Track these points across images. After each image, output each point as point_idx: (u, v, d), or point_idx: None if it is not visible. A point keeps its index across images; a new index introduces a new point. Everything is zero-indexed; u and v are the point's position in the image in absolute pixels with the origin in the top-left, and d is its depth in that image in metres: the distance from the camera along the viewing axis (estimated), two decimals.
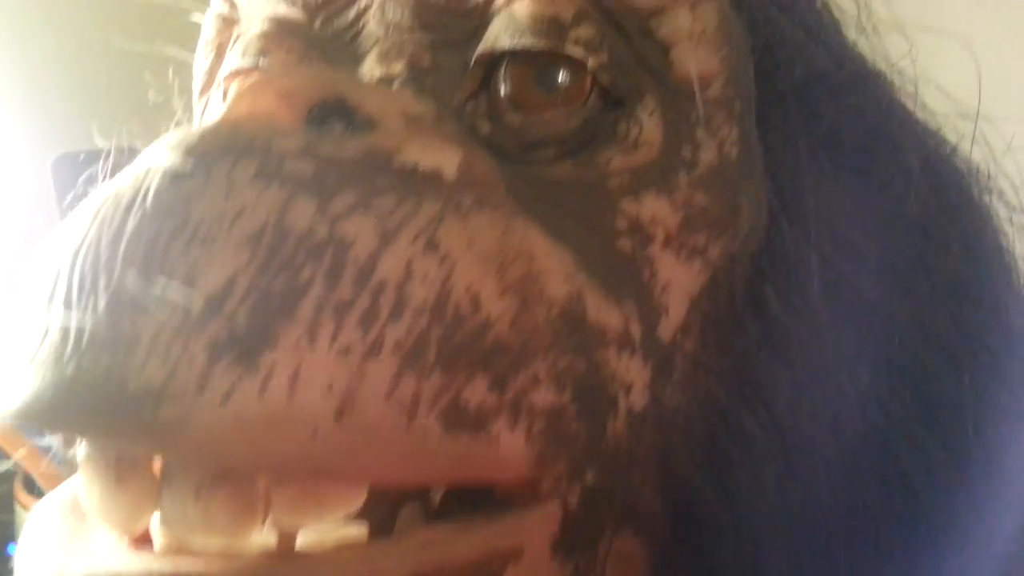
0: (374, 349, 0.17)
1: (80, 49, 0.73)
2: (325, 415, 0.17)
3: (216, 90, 0.28)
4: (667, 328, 0.23)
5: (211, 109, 0.29)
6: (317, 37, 0.26)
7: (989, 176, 0.30)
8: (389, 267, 0.18)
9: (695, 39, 0.24)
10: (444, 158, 0.20)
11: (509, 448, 0.19)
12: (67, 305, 0.17)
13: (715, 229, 0.23)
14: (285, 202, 0.18)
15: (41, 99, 0.70)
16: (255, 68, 0.26)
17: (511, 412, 0.19)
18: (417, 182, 0.20)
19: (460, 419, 0.18)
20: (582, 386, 0.21)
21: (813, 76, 0.26)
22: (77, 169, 0.71)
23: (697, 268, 0.23)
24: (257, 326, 0.17)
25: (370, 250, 0.18)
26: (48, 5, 0.71)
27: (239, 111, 0.20)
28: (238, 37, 0.28)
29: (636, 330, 0.22)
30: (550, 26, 0.23)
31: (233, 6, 0.28)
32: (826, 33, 0.28)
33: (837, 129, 0.26)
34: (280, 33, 0.26)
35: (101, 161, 0.75)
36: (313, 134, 0.19)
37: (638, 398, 0.22)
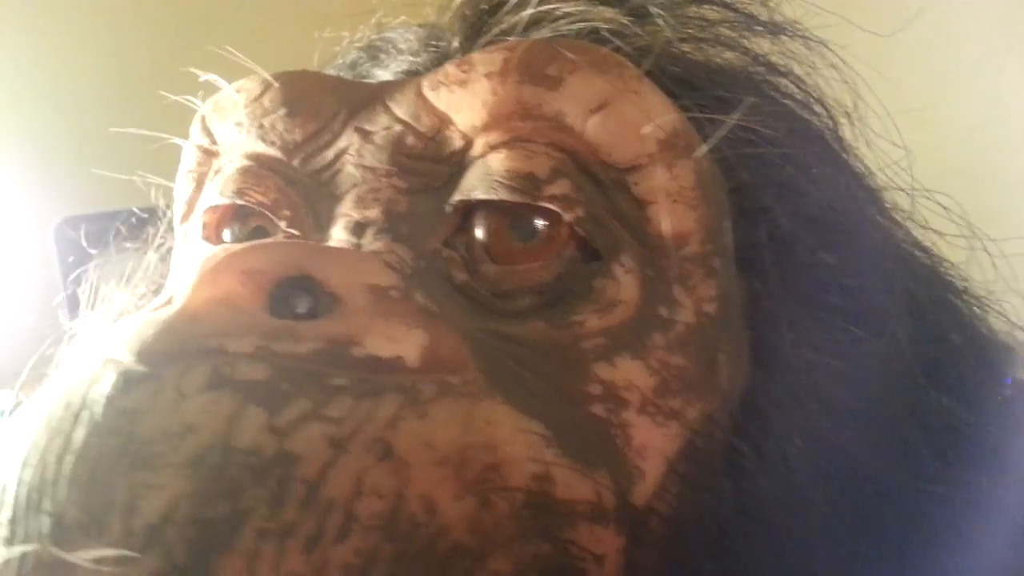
0: (324, 571, 0.17)
1: (84, 114, 0.73)
2: None
3: (196, 221, 0.28)
4: (642, 493, 0.22)
5: (190, 242, 0.28)
6: (295, 175, 0.26)
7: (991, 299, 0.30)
8: (338, 484, 0.17)
9: (672, 197, 0.23)
10: (406, 345, 0.20)
11: None
12: (13, 524, 0.17)
13: (692, 391, 0.23)
14: (233, 415, 0.17)
15: (45, 163, 0.70)
16: (232, 206, 0.27)
17: None
18: (377, 375, 0.19)
19: None
20: (546, 568, 0.20)
21: (800, 222, 0.25)
22: (80, 233, 0.72)
23: (674, 431, 0.23)
24: (196, 558, 0.16)
25: (319, 467, 0.17)
26: (53, 70, 0.72)
27: (200, 297, 0.19)
28: (218, 171, 0.28)
29: (609, 499, 0.22)
30: (525, 181, 0.23)
31: (213, 140, 0.28)
32: (822, 166, 0.27)
33: (821, 282, 0.25)
34: (259, 171, 0.26)
35: (103, 225, 0.75)
36: (271, 325, 0.19)
37: (612, 567, 0.22)
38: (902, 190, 0.31)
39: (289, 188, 0.26)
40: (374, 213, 0.24)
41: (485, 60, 0.24)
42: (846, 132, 0.30)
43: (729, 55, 0.30)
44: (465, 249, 0.24)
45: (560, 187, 0.23)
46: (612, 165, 0.24)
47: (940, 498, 0.25)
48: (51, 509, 0.17)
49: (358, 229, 0.24)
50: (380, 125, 0.25)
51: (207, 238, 0.27)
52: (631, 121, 0.24)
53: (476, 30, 0.28)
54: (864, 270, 0.26)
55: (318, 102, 0.26)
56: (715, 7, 0.30)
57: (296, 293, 0.20)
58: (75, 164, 0.70)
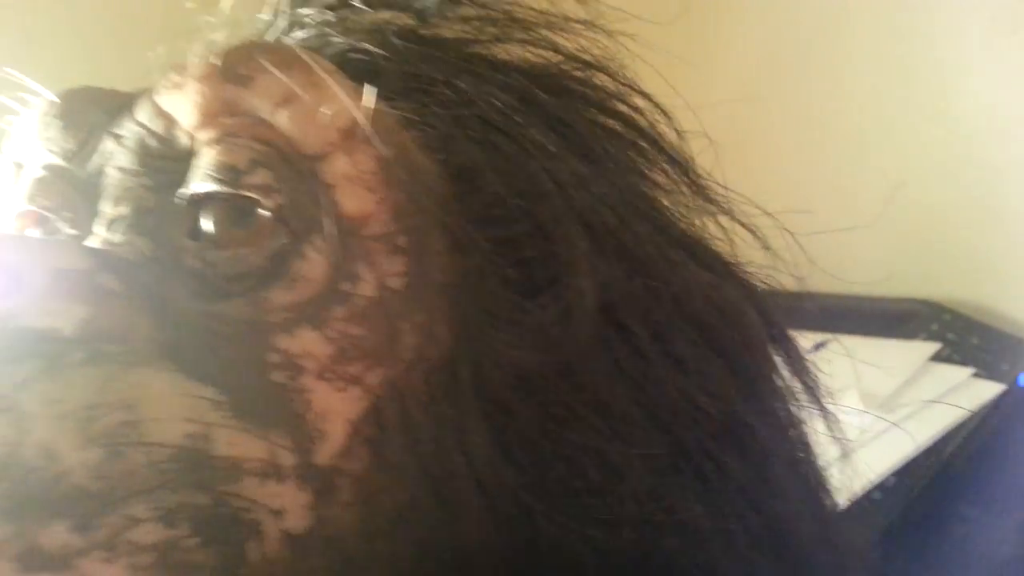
0: None
1: None
2: None
3: (10, 226, 0.31)
4: (326, 453, 0.24)
5: None
6: (75, 180, 0.29)
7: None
8: None
9: (354, 181, 0.26)
10: (64, 317, 0.23)
11: None
12: None
13: (371, 359, 0.25)
14: None
15: None
16: (29, 212, 0.30)
17: (105, 549, 0.21)
18: (25, 344, 0.22)
19: (38, 560, 0.20)
20: (203, 518, 0.22)
21: (507, 197, 0.27)
22: None
23: (355, 395, 0.25)
24: None
25: None
26: None
27: None
28: (22, 179, 0.31)
29: (286, 458, 0.23)
30: (228, 172, 0.25)
31: (19, 156, 0.31)
32: (548, 145, 0.28)
33: (516, 256, 0.27)
34: (49, 179, 0.29)
35: None
36: None
37: (297, 520, 0.23)
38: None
39: (72, 192, 0.29)
40: (125, 209, 0.27)
41: (197, 65, 0.27)
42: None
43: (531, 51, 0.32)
44: (201, 238, 0.26)
45: (259, 177, 0.25)
46: (302, 154, 0.26)
47: (633, 456, 0.26)
48: None
49: (111, 224, 0.27)
50: (127, 130, 0.28)
51: None
52: (312, 113, 0.26)
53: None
54: (553, 244, 0.27)
55: (86, 113, 0.29)
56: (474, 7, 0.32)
57: None
58: None
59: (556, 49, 0.32)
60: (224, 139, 0.26)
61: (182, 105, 0.27)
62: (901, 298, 0.95)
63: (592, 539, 0.25)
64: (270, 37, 0.32)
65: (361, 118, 0.26)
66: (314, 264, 0.25)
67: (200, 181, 0.26)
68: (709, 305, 0.29)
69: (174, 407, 0.23)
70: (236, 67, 0.26)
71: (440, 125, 0.28)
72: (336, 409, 0.24)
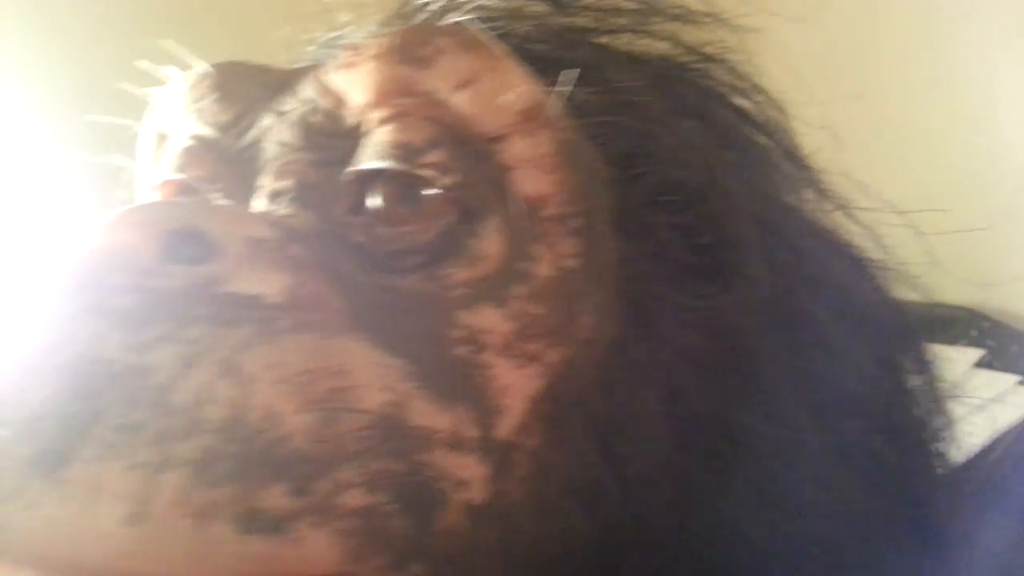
0: (165, 464, 0.20)
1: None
2: (119, 522, 0.19)
3: (151, 195, 0.32)
4: (505, 428, 0.24)
5: None
6: (229, 152, 0.29)
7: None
8: (184, 392, 0.21)
9: (533, 164, 0.26)
10: (269, 284, 0.23)
11: (315, 547, 0.21)
12: None
13: (552, 337, 0.25)
14: (101, 334, 0.21)
15: None
16: (178, 181, 0.30)
17: (316, 514, 0.21)
18: (235, 309, 0.22)
19: (256, 523, 0.20)
20: (400, 485, 0.23)
21: (670, 187, 0.27)
22: None
23: (534, 372, 0.25)
24: (63, 443, 0.20)
25: (168, 377, 0.21)
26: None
27: (94, 244, 0.23)
28: (166, 150, 0.32)
29: (470, 431, 0.24)
30: (404, 150, 0.26)
31: (165, 125, 0.32)
32: (703, 135, 0.29)
33: (684, 242, 0.27)
34: (198, 149, 0.30)
35: None
36: (147, 265, 0.22)
37: (477, 493, 0.24)
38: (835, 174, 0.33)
39: (223, 164, 0.29)
40: (288, 183, 0.27)
41: (371, 45, 0.27)
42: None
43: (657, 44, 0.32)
44: (364, 213, 0.27)
45: (435, 156, 0.26)
46: (480, 135, 0.26)
47: (801, 443, 0.27)
48: None
49: (273, 197, 0.27)
50: (291, 106, 0.28)
51: None
52: (493, 95, 0.26)
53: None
54: (726, 231, 0.28)
55: (244, 87, 0.30)
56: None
57: (183, 244, 0.23)
58: None
59: (678, 41, 0.33)
60: (399, 118, 0.26)
61: (354, 84, 0.27)
62: (940, 304, 0.95)
63: (769, 523, 0.25)
64: (420, 19, 0.32)
65: (548, 101, 0.26)
66: (491, 243, 0.26)
67: (372, 158, 0.26)
68: (858, 297, 0.29)
69: (373, 375, 0.23)
70: (415, 48, 0.27)
71: (595, 112, 0.28)
72: (516, 385, 0.25)
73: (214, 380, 0.21)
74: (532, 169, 0.26)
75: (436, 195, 0.26)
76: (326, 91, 0.28)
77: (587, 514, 0.25)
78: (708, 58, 0.33)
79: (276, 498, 0.21)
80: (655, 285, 0.27)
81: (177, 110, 0.31)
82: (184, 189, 0.31)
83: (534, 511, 0.25)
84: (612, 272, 0.26)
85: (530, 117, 0.26)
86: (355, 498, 0.22)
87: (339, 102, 0.28)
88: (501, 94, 0.26)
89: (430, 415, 0.23)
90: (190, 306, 0.22)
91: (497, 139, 0.26)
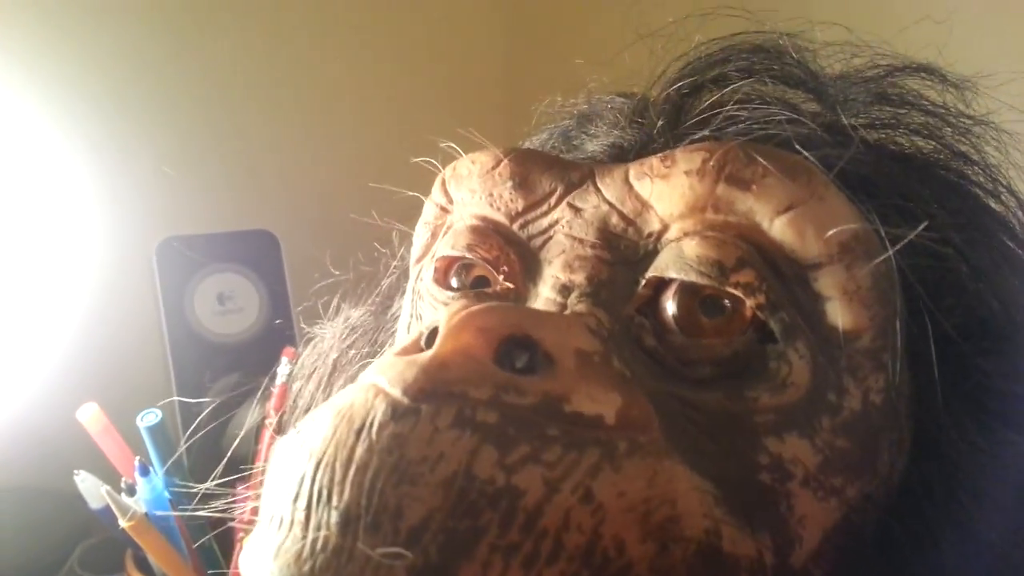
0: None
1: (186, 134, 0.76)
2: None
3: (429, 266, 0.33)
4: (800, 557, 0.25)
5: (423, 281, 0.33)
6: (514, 237, 0.31)
7: None
8: (551, 517, 0.21)
9: (849, 296, 0.26)
10: (606, 405, 0.23)
11: None
12: (308, 510, 0.22)
13: (854, 472, 0.25)
14: (473, 451, 0.21)
15: (149, 182, 0.73)
16: (459, 258, 0.31)
17: None
18: (581, 430, 0.23)
19: None
20: None
21: (969, 325, 0.27)
22: (181, 253, 0.74)
23: (833, 505, 0.25)
24: (445, 559, 0.20)
25: (537, 500, 0.21)
26: (158, 91, 0.75)
27: (446, 348, 0.23)
28: (449, 226, 0.33)
29: (769, 559, 0.24)
30: (714, 267, 0.26)
31: (450, 200, 0.33)
32: (997, 267, 0.29)
33: (983, 385, 0.27)
34: (485, 231, 0.31)
35: (202, 246, 0.78)
36: (501, 378, 0.23)
37: None
38: None
39: (508, 247, 0.30)
40: (579, 278, 0.28)
41: (686, 158, 0.27)
42: None
43: (919, 141, 0.32)
44: (655, 318, 0.27)
45: (744, 275, 0.26)
46: (795, 261, 0.26)
47: None
48: (339, 507, 0.21)
49: (564, 290, 0.28)
50: (590, 204, 0.29)
51: (437, 281, 0.32)
52: (815, 224, 0.26)
53: (677, 111, 0.32)
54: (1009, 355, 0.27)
55: (539, 178, 0.30)
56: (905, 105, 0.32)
57: (516, 349, 0.24)
58: (179, 185, 0.73)
59: (940, 140, 0.32)
60: (708, 234, 0.27)
61: (664, 193, 0.28)
62: None
63: None
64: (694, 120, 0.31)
65: (868, 233, 0.26)
66: (799, 370, 0.26)
67: (675, 268, 0.27)
68: None
69: (695, 502, 0.23)
70: (737, 169, 0.27)
71: (904, 247, 0.27)
72: (814, 516, 0.25)
73: (574, 507, 0.21)
74: (849, 301, 0.26)
75: (738, 312, 0.26)
76: (631, 196, 0.28)
77: None
78: (966, 159, 0.32)
79: None
80: (943, 422, 0.26)
81: (466, 190, 0.32)
82: (463, 265, 0.32)
83: None
84: (907, 408, 0.26)
85: (848, 248, 0.26)
86: None
87: (643, 208, 0.28)
88: (824, 224, 0.26)
89: (737, 542, 0.24)
90: (543, 425, 0.22)
91: (813, 267, 0.26)
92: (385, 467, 0.21)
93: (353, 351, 0.40)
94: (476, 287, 0.31)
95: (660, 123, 0.31)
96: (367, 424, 0.22)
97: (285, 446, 0.24)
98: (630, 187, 0.28)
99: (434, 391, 0.22)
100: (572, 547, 0.21)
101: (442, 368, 0.23)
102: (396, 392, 0.22)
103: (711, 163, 0.27)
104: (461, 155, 0.33)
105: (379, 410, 0.22)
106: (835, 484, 0.25)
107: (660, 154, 0.28)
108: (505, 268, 0.30)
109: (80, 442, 0.53)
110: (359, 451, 0.21)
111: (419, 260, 0.35)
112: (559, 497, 0.21)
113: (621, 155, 0.32)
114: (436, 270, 0.33)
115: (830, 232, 0.26)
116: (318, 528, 0.21)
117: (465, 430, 0.22)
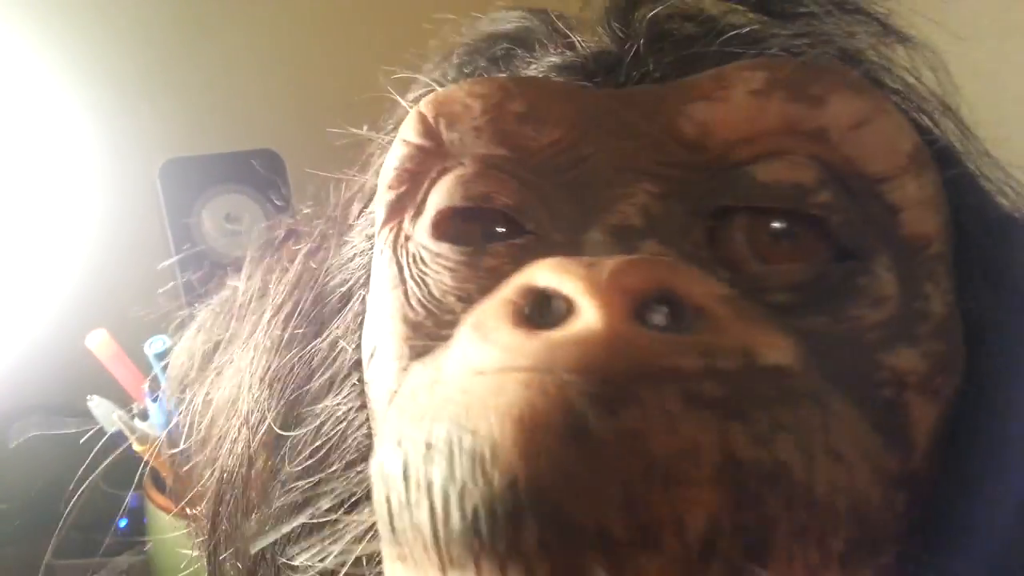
0: (829, 563, 0.19)
1: (188, 55, 0.75)
2: None
3: (424, 221, 0.28)
4: (916, 460, 0.25)
5: (414, 241, 0.29)
6: (529, 178, 0.27)
7: None
8: (822, 485, 0.19)
9: (924, 204, 0.26)
10: (785, 351, 0.21)
11: None
12: (540, 535, 0.18)
13: (948, 371, 0.25)
14: (723, 431, 0.18)
15: (149, 104, 0.72)
16: (478, 208, 0.27)
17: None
18: (786, 386, 0.20)
19: None
20: None
21: (985, 226, 0.28)
22: (185, 174, 0.74)
23: (936, 406, 0.25)
24: (747, 563, 0.18)
25: (803, 471, 0.19)
26: (157, 11, 0.73)
27: (608, 316, 0.20)
28: (443, 172, 0.28)
29: (896, 467, 0.24)
30: (794, 190, 0.25)
31: (439, 143, 0.28)
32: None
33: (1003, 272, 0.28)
34: (499, 175, 0.27)
35: (206, 167, 0.77)
36: (688, 342, 0.20)
37: (901, 526, 0.24)
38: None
39: (524, 190, 0.27)
40: (631, 217, 0.25)
41: (745, 77, 0.26)
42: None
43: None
44: (724, 252, 0.26)
45: (825, 195, 0.25)
46: (867, 176, 0.26)
47: None
48: (590, 525, 0.17)
49: (617, 232, 0.25)
50: (628, 133, 0.27)
51: (439, 237, 0.28)
52: (886, 137, 0.26)
53: (654, 34, 0.29)
54: None
55: (559, 109, 0.27)
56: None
57: (657, 304, 0.21)
58: (180, 106, 0.72)
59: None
60: (781, 156, 0.26)
61: (724, 117, 0.26)
62: None
63: None
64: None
65: (924, 143, 0.26)
66: (887, 283, 0.25)
67: (751, 196, 0.25)
68: None
69: (860, 435, 0.22)
70: (806, 87, 0.26)
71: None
72: (925, 418, 0.25)
73: (831, 468, 0.20)
74: (921, 210, 0.26)
75: (816, 233, 0.25)
76: (685, 120, 0.26)
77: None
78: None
79: None
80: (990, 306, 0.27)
81: (468, 130, 0.28)
82: (467, 216, 0.27)
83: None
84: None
85: (916, 159, 0.26)
86: None
87: (701, 133, 0.26)
88: (893, 136, 0.26)
89: (883, 458, 0.23)
90: (758, 387, 0.20)
91: (885, 180, 0.26)
92: (636, 472, 0.17)
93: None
94: (490, 238, 0.27)
95: (639, 44, 0.29)
96: (577, 426, 0.18)
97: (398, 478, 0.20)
98: (681, 111, 0.26)
99: (641, 372, 0.18)
100: (844, 511, 0.20)
101: (629, 344, 0.19)
102: (591, 380, 0.18)
103: (777, 81, 0.25)
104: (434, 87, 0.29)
105: (584, 406, 0.18)
106: (937, 385, 0.25)
107: (708, 73, 0.27)
108: (529, 214, 0.27)
109: (96, 366, 0.54)
110: (586, 460, 0.17)
111: (397, 214, 0.30)
112: (820, 464, 0.19)
113: (583, 78, 0.29)
114: (436, 226, 0.28)
115: (900, 144, 0.26)
116: (569, 549, 0.17)
117: (703, 409, 0.18)
